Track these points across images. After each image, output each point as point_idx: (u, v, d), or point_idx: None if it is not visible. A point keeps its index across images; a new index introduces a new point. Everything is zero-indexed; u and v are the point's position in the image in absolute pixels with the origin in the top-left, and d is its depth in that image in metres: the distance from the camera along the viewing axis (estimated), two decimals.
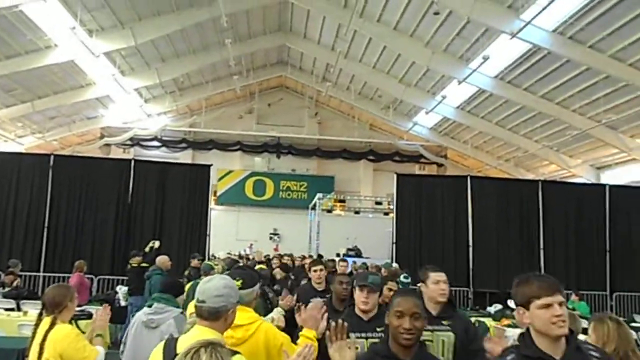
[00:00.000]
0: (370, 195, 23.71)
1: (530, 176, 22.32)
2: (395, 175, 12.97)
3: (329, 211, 21.17)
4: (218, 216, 20.67)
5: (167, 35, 17.15)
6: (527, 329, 2.01)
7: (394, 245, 12.33)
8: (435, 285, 3.25)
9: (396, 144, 25.66)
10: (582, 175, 20.34)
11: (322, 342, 2.71)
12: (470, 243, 12.18)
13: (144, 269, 8.78)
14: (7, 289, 8.21)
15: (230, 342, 2.32)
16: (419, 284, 3.47)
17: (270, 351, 2.67)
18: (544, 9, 11.81)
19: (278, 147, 25.94)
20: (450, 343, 3.06)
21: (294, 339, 2.90)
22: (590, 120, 16.69)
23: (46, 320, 3.35)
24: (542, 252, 12.25)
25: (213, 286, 2.36)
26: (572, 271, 12.19)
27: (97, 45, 15.73)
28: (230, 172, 26.13)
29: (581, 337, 3.18)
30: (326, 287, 5.04)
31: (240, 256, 17.93)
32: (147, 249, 10.07)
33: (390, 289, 4.37)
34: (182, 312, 3.84)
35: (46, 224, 11.29)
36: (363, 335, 2.96)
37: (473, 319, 6.63)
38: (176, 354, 2.04)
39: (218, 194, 25.17)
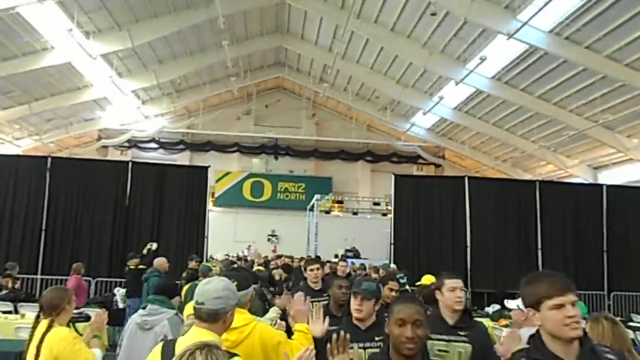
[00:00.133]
0: (368, 196, 23.73)
1: (527, 176, 22.37)
2: (393, 176, 12.98)
3: (327, 212, 21.18)
4: (216, 218, 20.66)
5: (164, 36, 17.14)
6: (538, 331, 1.90)
7: (392, 246, 12.33)
8: (451, 293, 3.10)
9: (394, 144, 25.69)
10: (580, 175, 20.39)
11: (319, 341, 2.72)
12: (468, 243, 12.19)
13: (141, 271, 8.77)
14: (4, 292, 8.17)
15: (225, 345, 2.31)
16: (419, 285, 3.42)
17: (268, 352, 2.66)
18: (540, 9, 11.85)
19: (276, 149, 25.95)
20: (467, 355, 2.91)
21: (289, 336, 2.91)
22: (587, 120, 16.73)
23: (43, 323, 3.34)
24: (539, 252, 12.26)
25: (212, 288, 2.36)
26: (570, 271, 12.17)
27: (94, 47, 15.71)
28: (228, 173, 26.12)
29: None
30: (323, 287, 4.97)
31: (238, 257, 17.95)
32: (144, 251, 10.04)
33: (392, 289, 4.30)
34: (176, 314, 3.84)
35: (43, 227, 11.26)
36: (361, 345, 2.82)
37: None
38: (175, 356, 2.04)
39: (216, 195, 25.16)
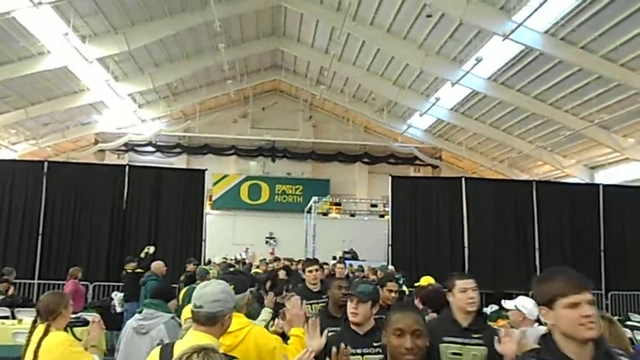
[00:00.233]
0: (366, 197, 23.72)
1: (524, 177, 22.42)
2: (390, 178, 13.00)
3: (325, 214, 21.16)
4: (214, 221, 20.65)
5: (160, 40, 17.13)
6: (550, 331, 1.82)
7: (390, 247, 12.35)
8: (463, 294, 2.98)
9: (391, 146, 25.69)
10: (576, 175, 20.44)
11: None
12: (466, 244, 12.20)
13: (139, 275, 8.76)
14: (1, 297, 8.15)
15: None
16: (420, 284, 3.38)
17: (263, 356, 2.65)
18: (535, 10, 11.88)
19: (273, 151, 25.94)
20: (482, 358, 2.82)
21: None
22: (583, 120, 16.77)
23: (40, 328, 3.34)
24: (537, 252, 12.29)
25: (210, 291, 2.37)
26: None
27: (90, 51, 15.69)
28: (225, 176, 26.10)
29: None
30: (322, 289, 4.81)
31: (236, 261, 17.91)
32: (142, 255, 10.04)
33: (390, 290, 4.22)
34: (173, 317, 3.83)
35: (40, 231, 11.23)
36: (359, 351, 2.70)
37: None
38: None
39: (213, 198, 25.14)
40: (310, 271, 4.96)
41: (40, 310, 3.41)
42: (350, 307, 2.83)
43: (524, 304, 3.93)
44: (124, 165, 12.72)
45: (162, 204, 11.89)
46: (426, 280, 6.49)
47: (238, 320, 2.67)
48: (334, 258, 15.87)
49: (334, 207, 23.28)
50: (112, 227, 11.49)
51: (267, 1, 17.48)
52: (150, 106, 22.55)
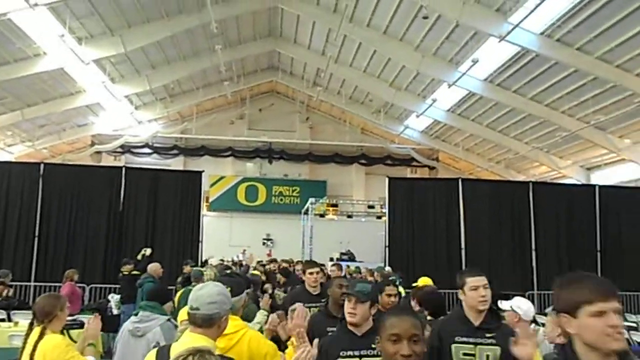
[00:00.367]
0: (363, 199, 23.74)
1: (521, 178, 22.48)
2: (387, 179, 13.01)
3: (322, 216, 21.20)
4: (210, 222, 20.64)
5: (157, 41, 17.11)
6: (570, 340, 1.69)
7: (387, 248, 12.36)
8: (474, 292, 2.88)
9: (388, 147, 25.72)
10: (572, 176, 20.50)
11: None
12: (463, 245, 12.23)
13: (135, 277, 8.74)
14: None
15: None
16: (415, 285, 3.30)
17: None
18: (531, 12, 11.92)
19: (270, 153, 25.94)
20: (495, 359, 2.73)
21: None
22: (579, 121, 16.83)
23: (36, 331, 3.33)
24: (534, 253, 12.33)
25: (206, 293, 2.37)
26: (564, 272, 11.93)
27: (87, 53, 15.66)
28: (222, 178, 26.07)
29: None
30: (322, 292, 4.61)
31: (234, 262, 17.87)
32: (139, 257, 10.02)
33: (390, 295, 4.11)
34: (169, 320, 3.82)
35: (37, 233, 11.21)
36: (356, 353, 2.62)
37: None
38: None
39: (210, 200, 25.10)
40: (311, 273, 4.77)
41: (36, 312, 3.40)
42: (348, 307, 2.73)
43: (520, 304, 3.94)
44: (121, 167, 12.70)
45: (159, 205, 11.88)
46: (423, 282, 6.49)
47: (234, 323, 2.66)
48: (331, 259, 15.89)
49: (331, 209, 23.33)
50: (109, 229, 11.48)
51: (264, 3, 17.48)
52: (146, 108, 22.52)
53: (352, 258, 17.18)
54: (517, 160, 22.53)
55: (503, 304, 4.05)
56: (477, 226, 12.36)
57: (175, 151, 25.68)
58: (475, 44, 14.73)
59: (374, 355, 2.53)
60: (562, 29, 12.92)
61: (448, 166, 26.82)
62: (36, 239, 11.17)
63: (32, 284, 10.80)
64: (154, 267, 8.47)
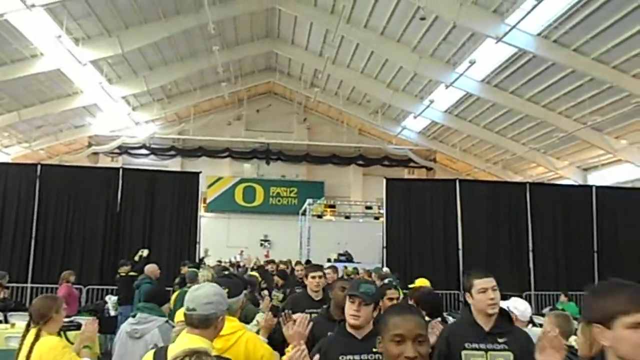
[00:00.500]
0: (360, 200, 23.73)
1: (518, 178, 22.52)
2: (384, 180, 13.02)
3: (320, 216, 21.20)
4: (208, 223, 20.61)
5: (155, 42, 17.09)
6: (602, 354, 1.60)
7: (385, 249, 12.36)
8: (482, 295, 2.71)
9: (385, 148, 25.74)
10: (569, 176, 20.55)
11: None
12: (460, 246, 12.24)
13: (133, 278, 8.72)
14: None
15: None
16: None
17: None
18: (528, 13, 11.95)
19: (267, 153, 25.92)
20: None
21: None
22: (576, 122, 16.88)
23: (32, 332, 3.32)
24: (531, 254, 12.35)
25: (203, 294, 2.37)
26: (561, 272, 12.29)
27: (84, 54, 15.64)
28: (219, 179, 26.05)
29: (572, 338, 3.19)
30: (324, 297, 4.46)
31: (231, 264, 17.86)
32: (136, 258, 10.00)
33: (391, 299, 4.01)
34: (167, 321, 3.81)
35: (34, 235, 11.17)
36: (357, 357, 2.52)
37: None
38: None
39: (208, 201, 25.08)
40: (314, 277, 4.57)
41: (32, 314, 3.39)
42: (351, 308, 2.60)
43: (517, 305, 3.94)
44: (118, 168, 12.68)
45: (156, 206, 11.86)
46: (420, 282, 6.48)
47: (231, 324, 2.65)
48: (329, 260, 15.88)
49: (328, 210, 23.31)
50: (106, 230, 11.45)
51: (261, 3, 17.49)
52: (144, 109, 22.50)
53: (349, 259, 17.16)
54: (514, 161, 22.57)
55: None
56: (474, 227, 12.37)
57: (172, 152, 25.65)
58: (472, 45, 14.77)
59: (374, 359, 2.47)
60: (559, 30, 12.95)
61: (445, 167, 26.85)
62: (33, 240, 11.14)
63: (29, 285, 10.76)
64: (151, 269, 8.46)
